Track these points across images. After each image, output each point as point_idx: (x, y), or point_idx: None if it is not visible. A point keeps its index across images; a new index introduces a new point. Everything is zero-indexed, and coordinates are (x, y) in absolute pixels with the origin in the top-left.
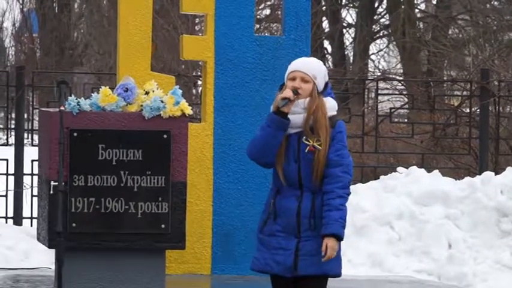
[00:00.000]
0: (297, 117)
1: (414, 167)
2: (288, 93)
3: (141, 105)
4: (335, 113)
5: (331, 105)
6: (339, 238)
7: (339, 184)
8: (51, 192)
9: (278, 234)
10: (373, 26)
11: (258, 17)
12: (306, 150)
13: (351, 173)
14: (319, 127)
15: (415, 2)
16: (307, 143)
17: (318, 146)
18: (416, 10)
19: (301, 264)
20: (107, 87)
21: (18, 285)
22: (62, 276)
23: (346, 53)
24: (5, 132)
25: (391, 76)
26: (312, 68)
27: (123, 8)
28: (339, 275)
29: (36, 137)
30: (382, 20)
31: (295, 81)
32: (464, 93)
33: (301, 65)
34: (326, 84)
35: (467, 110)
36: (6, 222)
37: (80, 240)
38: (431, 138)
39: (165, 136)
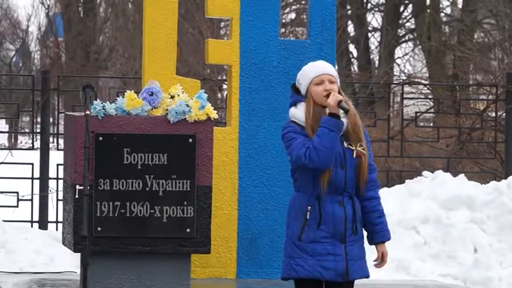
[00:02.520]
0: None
1: (440, 171)
2: (338, 96)
3: (167, 109)
4: None
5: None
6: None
7: (378, 189)
8: (77, 196)
9: (324, 240)
10: (399, 30)
11: (284, 21)
12: (354, 156)
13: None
14: (360, 132)
15: (441, 6)
16: (352, 148)
17: (363, 151)
18: (442, 14)
19: (351, 268)
20: (132, 91)
21: None
22: (87, 280)
23: (371, 57)
24: (31, 136)
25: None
26: (332, 69)
27: (149, 12)
28: (369, 276)
29: (61, 141)
30: (407, 24)
31: (323, 84)
32: (490, 97)
33: (326, 67)
34: None
35: (493, 114)
36: (32, 227)
37: (105, 244)
38: (457, 142)
39: (190, 140)
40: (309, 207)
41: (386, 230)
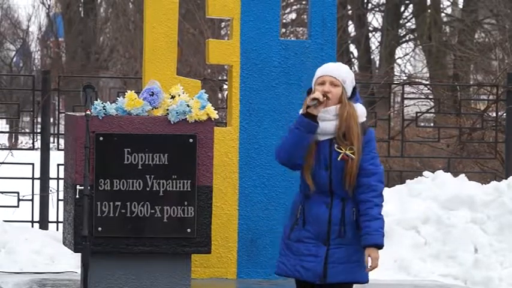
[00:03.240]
0: (328, 123)
1: (440, 171)
2: (317, 94)
3: (167, 110)
4: (365, 119)
5: (361, 111)
6: (380, 247)
7: (374, 193)
8: (77, 196)
9: (307, 240)
10: (399, 30)
11: (284, 21)
12: (339, 159)
13: (383, 181)
14: (352, 135)
15: (441, 6)
16: (340, 151)
17: (351, 155)
18: (443, 14)
19: (330, 271)
20: (133, 91)
21: None
22: (88, 280)
23: (372, 57)
24: (31, 136)
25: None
26: (340, 72)
27: (149, 12)
28: (367, 281)
29: (62, 141)
30: (408, 24)
31: (324, 86)
32: (491, 97)
33: (330, 69)
34: (354, 89)
35: (494, 114)
36: (32, 227)
37: (106, 244)
38: (458, 142)
39: (190, 140)
40: (300, 207)
41: (372, 234)
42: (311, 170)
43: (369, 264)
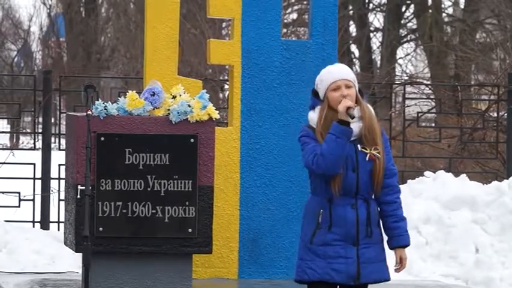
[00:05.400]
0: (353, 125)
1: (441, 171)
2: (349, 102)
3: (168, 110)
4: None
5: (372, 111)
6: (407, 247)
7: (398, 194)
8: (78, 196)
9: (335, 243)
10: (401, 30)
11: (285, 21)
12: (367, 159)
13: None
14: (376, 135)
15: (443, 6)
16: (366, 151)
17: (378, 154)
18: (444, 14)
19: (363, 272)
20: (134, 91)
21: None
22: (89, 280)
23: (373, 57)
24: (32, 136)
25: (418, 80)
26: (349, 72)
27: (150, 12)
28: (390, 279)
29: (63, 141)
30: (409, 24)
31: (340, 90)
32: (492, 97)
33: (342, 72)
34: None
35: (495, 114)
36: (34, 227)
37: (107, 244)
38: (459, 142)
39: (192, 140)
40: (321, 210)
41: (404, 235)
42: (341, 175)
43: (399, 264)
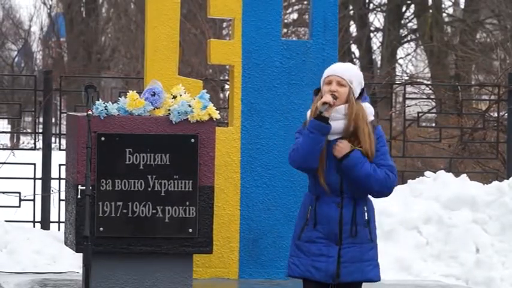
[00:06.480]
0: (337, 123)
1: (442, 172)
2: (327, 97)
3: (169, 110)
4: (373, 118)
5: (370, 110)
6: (350, 158)
7: (384, 170)
8: (79, 196)
9: (319, 241)
10: (401, 30)
11: (286, 21)
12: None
13: (396, 174)
14: (361, 134)
15: (443, 6)
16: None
17: (361, 149)
18: (444, 14)
19: (343, 271)
20: (135, 91)
21: None
22: (90, 280)
23: (373, 57)
24: (33, 136)
25: (418, 80)
26: (347, 72)
27: (151, 12)
28: (379, 279)
29: (63, 141)
30: (409, 24)
31: (331, 85)
32: (492, 97)
33: (337, 69)
34: (362, 90)
35: (495, 114)
36: (34, 227)
37: (107, 244)
38: (459, 142)
39: (192, 140)
40: (310, 207)
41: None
42: (324, 171)
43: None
